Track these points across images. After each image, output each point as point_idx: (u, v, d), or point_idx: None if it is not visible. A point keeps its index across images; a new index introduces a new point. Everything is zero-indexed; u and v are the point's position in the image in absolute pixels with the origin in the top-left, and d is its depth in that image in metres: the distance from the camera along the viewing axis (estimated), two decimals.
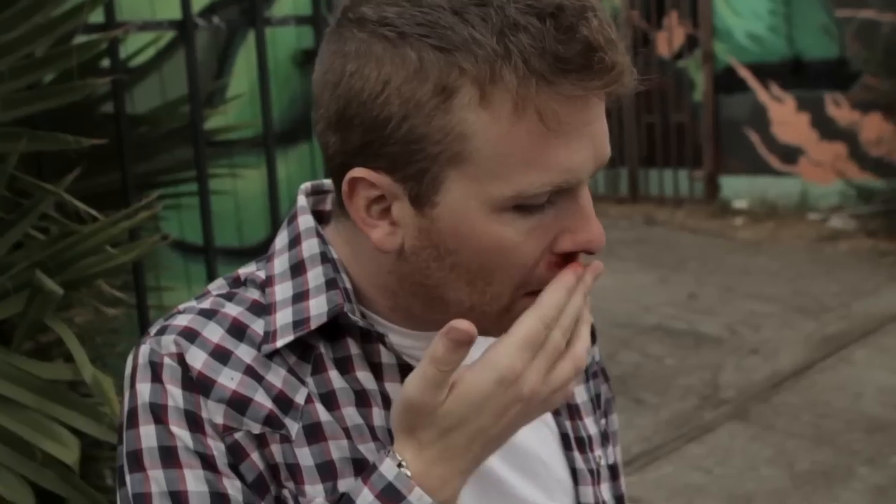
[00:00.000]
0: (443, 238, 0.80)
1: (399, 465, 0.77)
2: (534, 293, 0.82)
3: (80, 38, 2.33)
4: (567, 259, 0.82)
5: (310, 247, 0.88)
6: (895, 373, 5.20)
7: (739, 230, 8.77)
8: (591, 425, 1.03)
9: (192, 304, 0.88)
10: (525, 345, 0.77)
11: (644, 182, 10.17)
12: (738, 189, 9.40)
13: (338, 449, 0.83)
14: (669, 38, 9.72)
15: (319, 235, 0.88)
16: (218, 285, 0.91)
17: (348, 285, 0.86)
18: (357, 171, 0.80)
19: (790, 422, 4.59)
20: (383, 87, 0.76)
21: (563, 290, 0.79)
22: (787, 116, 9.08)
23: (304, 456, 0.82)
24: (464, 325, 0.75)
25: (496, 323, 0.83)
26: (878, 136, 8.13)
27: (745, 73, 9.28)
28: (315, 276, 0.87)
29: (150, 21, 2.55)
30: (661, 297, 6.79)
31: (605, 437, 1.07)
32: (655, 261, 7.85)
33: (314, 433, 0.82)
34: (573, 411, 1.01)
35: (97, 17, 2.41)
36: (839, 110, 8.72)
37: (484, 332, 0.83)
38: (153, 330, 0.86)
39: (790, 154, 9.10)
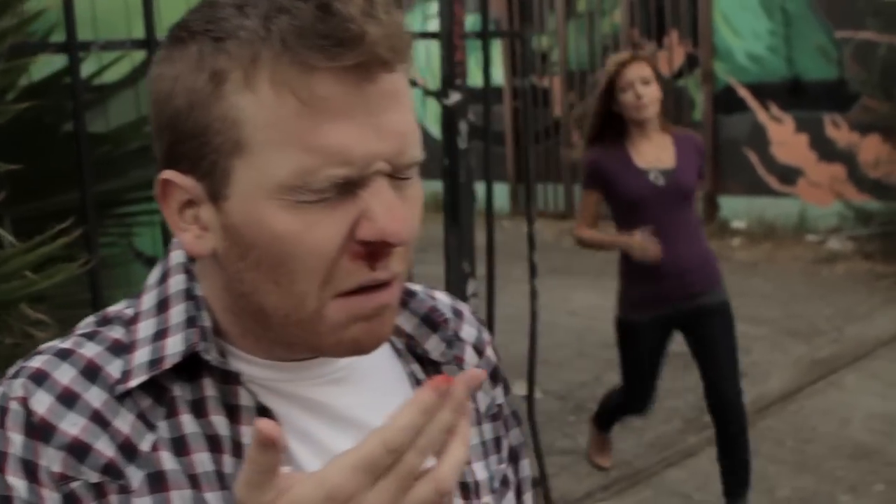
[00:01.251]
0: (240, 233, 0.79)
1: None
2: (346, 294, 0.79)
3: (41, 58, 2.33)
4: (371, 252, 0.78)
5: (176, 283, 0.87)
6: (884, 398, 5.15)
7: (737, 251, 8.72)
8: (479, 470, 0.98)
9: (54, 343, 0.86)
10: (361, 466, 0.68)
11: None
12: (737, 209, 9.35)
13: (180, 499, 0.80)
14: (669, 57, 9.70)
15: (187, 271, 0.87)
16: (86, 323, 0.89)
17: (207, 323, 0.84)
18: (165, 174, 0.81)
19: (774, 447, 4.54)
20: (173, 83, 0.78)
21: (416, 411, 0.68)
22: (786, 137, 9.05)
23: None
24: (266, 425, 0.66)
25: (315, 333, 0.81)
26: (877, 158, 8.08)
27: (744, 93, 9.25)
28: (177, 313, 0.85)
29: (113, 40, 2.53)
30: None
31: (504, 484, 1.02)
32: None
33: (157, 482, 0.79)
34: None
35: (59, 35, 2.41)
36: (838, 131, 8.69)
37: (312, 348, 0.82)
38: (11, 371, 0.84)
39: (789, 175, 9.06)
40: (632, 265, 3.60)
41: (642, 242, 3.54)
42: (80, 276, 2.11)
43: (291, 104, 0.75)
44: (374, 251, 0.78)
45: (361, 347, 0.82)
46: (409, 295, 0.96)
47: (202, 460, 0.81)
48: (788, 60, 8.90)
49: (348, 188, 0.77)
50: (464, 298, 3.45)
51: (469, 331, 1.03)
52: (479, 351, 1.03)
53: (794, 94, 8.89)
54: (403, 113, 0.79)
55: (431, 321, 0.96)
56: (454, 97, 3.27)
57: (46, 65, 2.86)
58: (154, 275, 0.89)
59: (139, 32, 2.52)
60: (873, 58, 7.88)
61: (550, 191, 10.74)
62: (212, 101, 0.77)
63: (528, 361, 3.96)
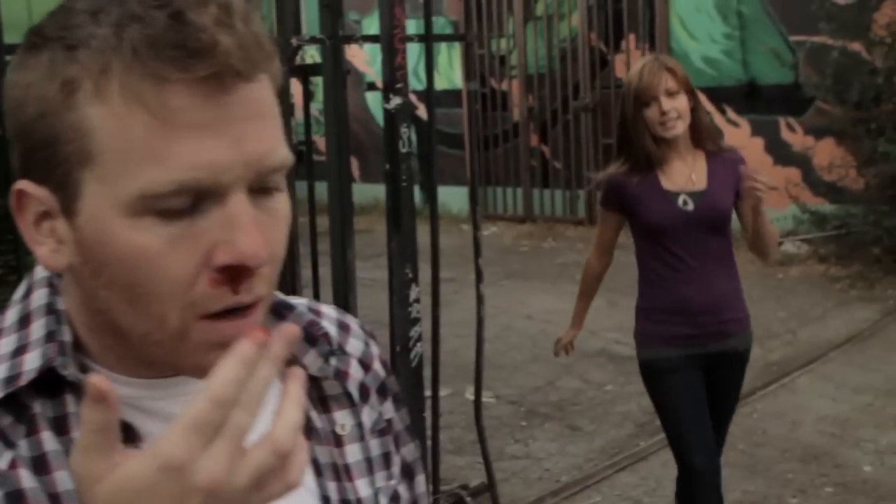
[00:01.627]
0: (91, 249, 0.76)
1: None
2: (209, 317, 0.76)
3: None
4: (232, 276, 0.75)
5: (39, 297, 0.84)
6: (836, 401, 5.17)
7: None
8: (363, 487, 0.95)
9: None
10: (191, 428, 0.66)
11: None
12: None
13: None
14: (627, 60, 9.72)
15: (51, 285, 0.84)
16: None
17: (67, 338, 0.81)
18: (20, 184, 0.78)
19: (725, 451, 4.51)
20: (26, 91, 0.76)
21: (238, 363, 0.67)
22: (741, 140, 9.07)
23: None
24: (97, 380, 0.65)
25: (175, 354, 0.78)
26: (831, 162, 8.14)
27: (701, 97, 9.26)
28: (38, 328, 0.82)
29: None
30: (609, 322, 6.71)
31: (395, 500, 1.00)
32: (607, 284, 7.68)
33: (16, 500, 0.76)
34: (340, 471, 0.94)
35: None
36: (793, 135, 8.74)
37: (176, 368, 0.79)
38: None
39: None
40: (659, 294, 3.19)
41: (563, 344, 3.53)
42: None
43: (142, 117, 0.72)
44: (235, 275, 0.75)
45: None
46: (287, 309, 0.93)
47: (63, 478, 0.78)
48: (744, 64, 8.94)
49: (203, 206, 0.74)
50: (407, 303, 3.41)
51: (355, 344, 1.00)
52: (365, 365, 1.00)
53: (750, 98, 8.94)
54: (264, 123, 0.75)
55: (310, 336, 0.93)
56: (395, 101, 3.23)
57: None
58: (20, 290, 0.86)
59: None
60: (827, 62, 7.93)
61: (510, 194, 10.73)
62: (63, 110, 0.74)
63: (475, 366, 3.92)
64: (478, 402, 3.94)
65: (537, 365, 5.86)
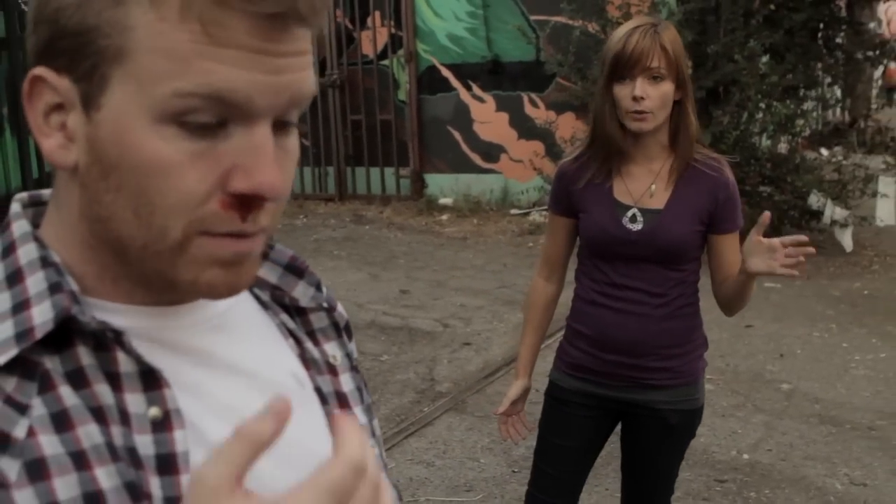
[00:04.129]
0: (105, 149, 0.73)
1: None
2: (211, 234, 0.75)
3: None
4: (243, 203, 0.74)
5: (27, 252, 0.78)
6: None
7: (446, 226, 8.98)
8: (360, 415, 0.97)
9: None
10: (329, 490, 0.63)
11: (351, 181, 10.21)
12: (444, 186, 9.63)
13: (65, 486, 0.70)
14: (373, 37, 9.80)
15: (37, 239, 0.78)
16: None
17: (75, 287, 0.76)
18: (38, 70, 0.75)
19: None
20: None
21: (359, 441, 0.65)
22: (487, 116, 9.41)
23: (25, 498, 0.69)
24: (278, 405, 0.63)
25: (172, 266, 0.76)
26: (573, 135, 8.57)
27: (447, 73, 9.52)
28: (36, 281, 0.76)
29: None
30: (374, 295, 6.81)
31: (373, 435, 1.01)
32: (366, 258, 7.88)
33: (37, 471, 0.70)
34: (342, 399, 0.95)
35: None
36: (536, 110, 9.14)
37: (166, 284, 0.77)
38: None
39: (491, 152, 9.44)
40: (580, 314, 2.57)
41: (505, 430, 2.71)
42: None
43: (194, 32, 0.70)
44: (246, 203, 0.74)
45: (216, 292, 0.78)
46: (268, 246, 0.92)
47: (89, 433, 0.72)
48: (488, 42, 9.25)
49: (229, 127, 0.73)
50: None
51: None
52: (330, 307, 1.00)
53: (495, 75, 9.26)
54: (305, 60, 0.75)
55: (295, 268, 0.94)
56: None
57: None
58: None
59: None
60: (568, 40, 8.33)
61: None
62: (107, 5, 0.71)
63: None
64: None
65: None
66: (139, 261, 0.75)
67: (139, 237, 0.74)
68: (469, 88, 9.44)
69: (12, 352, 0.72)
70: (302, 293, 0.94)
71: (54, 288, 0.75)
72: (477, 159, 9.52)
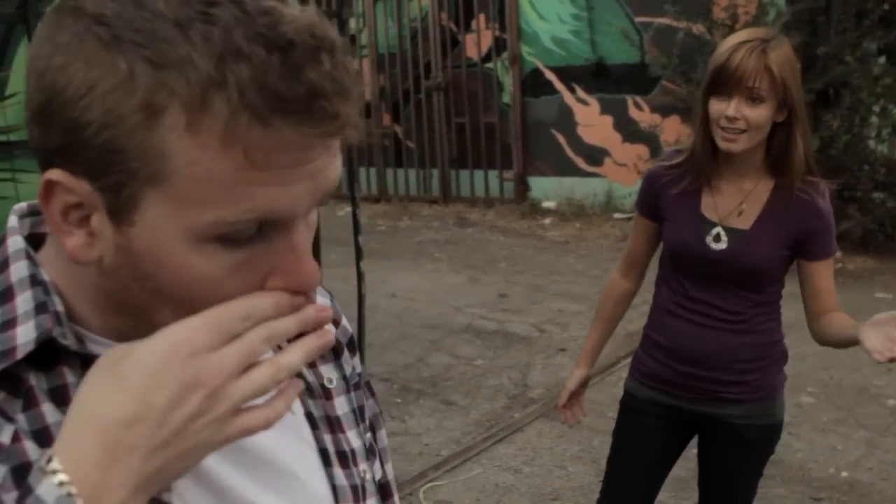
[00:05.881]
0: (139, 261, 0.73)
1: (60, 483, 0.66)
2: None
3: None
4: None
5: (18, 270, 0.79)
6: None
7: (548, 230, 8.94)
8: (354, 438, 0.97)
9: None
10: (212, 324, 0.70)
11: (455, 183, 10.24)
12: (547, 189, 9.58)
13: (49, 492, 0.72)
14: (478, 40, 9.82)
15: (30, 257, 0.80)
16: None
17: (60, 308, 0.78)
18: (54, 174, 0.72)
19: (596, 419, 4.64)
20: (88, 90, 0.69)
21: (271, 301, 0.73)
22: (591, 119, 9.33)
23: (11, 500, 0.71)
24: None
25: None
26: (677, 138, 8.43)
27: (551, 76, 9.47)
28: (24, 301, 0.77)
29: None
30: (472, 298, 6.82)
31: (371, 452, 1.02)
32: (466, 261, 7.90)
33: (23, 474, 0.72)
34: (334, 424, 0.96)
35: None
36: (641, 113, 9.02)
37: None
38: None
39: (595, 155, 9.35)
40: (658, 323, 2.53)
41: (569, 412, 2.72)
42: None
43: (237, 159, 0.68)
44: None
45: None
46: None
47: None
48: (592, 44, 9.16)
49: (267, 233, 0.73)
50: None
51: (322, 301, 1.01)
52: (334, 321, 1.02)
53: (599, 77, 9.17)
54: (337, 164, 0.75)
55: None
56: None
57: None
58: None
59: None
60: (672, 42, 8.20)
61: (363, 174, 10.69)
62: (139, 129, 0.68)
63: (357, 343, 3.89)
64: None
65: (405, 342, 5.88)
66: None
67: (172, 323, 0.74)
68: (573, 91, 9.37)
69: None
70: None
71: (40, 308, 0.77)
72: (581, 163, 9.45)
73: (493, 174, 9.95)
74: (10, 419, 0.74)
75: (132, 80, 0.67)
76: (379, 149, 10.61)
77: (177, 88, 0.67)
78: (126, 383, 0.67)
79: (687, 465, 2.65)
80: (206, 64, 0.66)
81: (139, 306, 0.75)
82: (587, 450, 4.31)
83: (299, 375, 0.91)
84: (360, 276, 3.82)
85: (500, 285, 7.14)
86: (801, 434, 4.47)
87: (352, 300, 3.83)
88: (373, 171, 10.68)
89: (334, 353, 0.98)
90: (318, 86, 0.68)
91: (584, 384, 2.70)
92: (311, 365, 0.95)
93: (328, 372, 0.97)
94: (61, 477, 0.65)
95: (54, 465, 0.66)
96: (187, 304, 0.72)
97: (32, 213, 0.85)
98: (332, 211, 9.43)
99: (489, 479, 4.12)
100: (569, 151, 9.49)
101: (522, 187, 9.78)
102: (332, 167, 0.74)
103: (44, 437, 0.74)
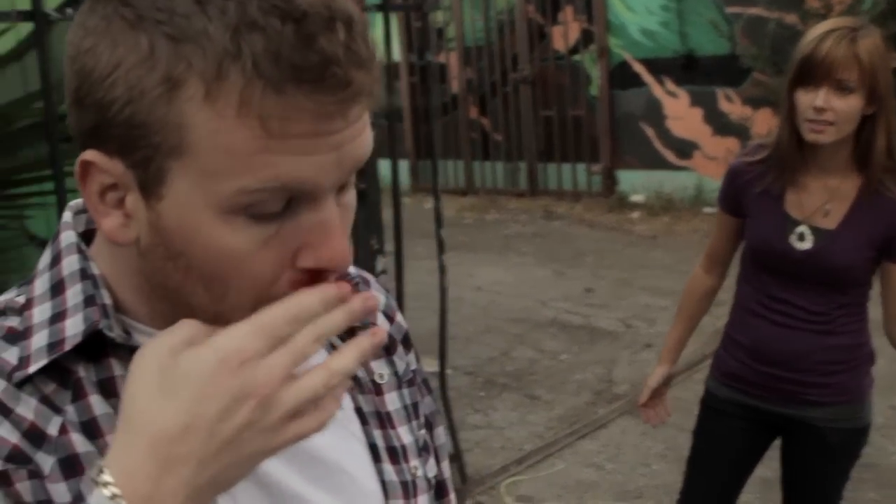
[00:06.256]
0: (171, 237, 0.74)
1: (112, 496, 0.67)
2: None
3: None
4: (312, 277, 0.75)
5: (70, 264, 0.82)
6: None
7: (636, 224, 8.84)
8: (405, 434, 0.98)
9: None
10: (259, 331, 0.70)
11: (543, 176, 10.20)
12: (635, 183, 9.48)
13: None
14: (565, 32, 9.75)
15: (81, 251, 0.82)
16: None
17: (108, 301, 0.80)
18: (89, 154, 0.74)
19: (682, 416, 4.57)
20: (113, 69, 0.71)
21: (319, 297, 0.72)
22: (680, 111, 9.19)
23: (59, 492, 0.74)
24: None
25: None
26: (769, 131, 8.23)
27: (639, 68, 9.36)
28: (74, 294, 0.80)
29: None
30: (558, 292, 6.79)
31: (425, 449, 1.02)
32: (553, 255, 7.86)
33: (71, 466, 0.75)
34: (384, 419, 0.96)
35: None
36: (731, 105, 8.86)
37: None
38: None
39: (685, 148, 9.22)
40: (739, 323, 2.50)
41: (653, 411, 2.69)
42: None
43: (254, 128, 0.69)
44: (316, 277, 0.76)
45: None
46: None
47: None
48: (681, 35, 9.03)
49: (295, 208, 0.74)
50: (373, 275, 3.38)
51: (377, 296, 1.01)
52: (389, 317, 1.02)
53: (688, 69, 9.04)
54: (362, 135, 0.75)
55: None
56: None
57: None
58: (45, 258, 0.84)
59: (25, 3, 2.38)
60: (763, 33, 8.03)
61: (451, 167, 10.72)
62: (159, 103, 0.70)
63: (439, 337, 3.91)
64: (443, 373, 3.94)
65: (490, 336, 5.89)
66: (204, 317, 0.76)
67: (211, 308, 0.76)
68: (662, 83, 9.24)
69: (42, 361, 0.76)
70: None
71: (88, 301, 0.79)
72: (670, 156, 9.32)
73: (580, 167, 9.88)
74: (58, 411, 0.76)
75: (153, 56, 0.70)
76: (466, 142, 10.62)
77: (194, 61, 0.69)
78: (176, 394, 0.68)
79: (773, 465, 2.60)
80: (221, 36, 0.68)
81: (174, 288, 0.76)
82: (672, 448, 4.25)
83: None
84: (442, 270, 3.83)
85: (586, 279, 7.09)
86: (894, 437, 4.35)
87: (437, 293, 3.84)
88: (460, 163, 10.70)
89: (386, 349, 0.99)
90: (331, 54, 0.69)
91: (666, 382, 2.66)
92: None
93: (379, 367, 0.97)
94: (113, 489, 0.66)
95: (106, 476, 0.67)
96: (219, 282, 0.74)
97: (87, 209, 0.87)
98: (418, 203, 9.48)
99: (571, 475, 4.10)
100: (657, 144, 9.38)
101: (610, 181, 9.69)
102: (360, 141, 0.74)
103: (91, 429, 0.76)
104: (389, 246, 3.61)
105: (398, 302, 3.63)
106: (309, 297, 0.72)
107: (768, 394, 2.42)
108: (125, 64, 0.70)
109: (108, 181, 0.75)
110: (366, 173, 3.33)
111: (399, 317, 1.03)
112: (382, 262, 3.47)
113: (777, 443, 2.57)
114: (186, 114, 0.70)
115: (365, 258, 3.40)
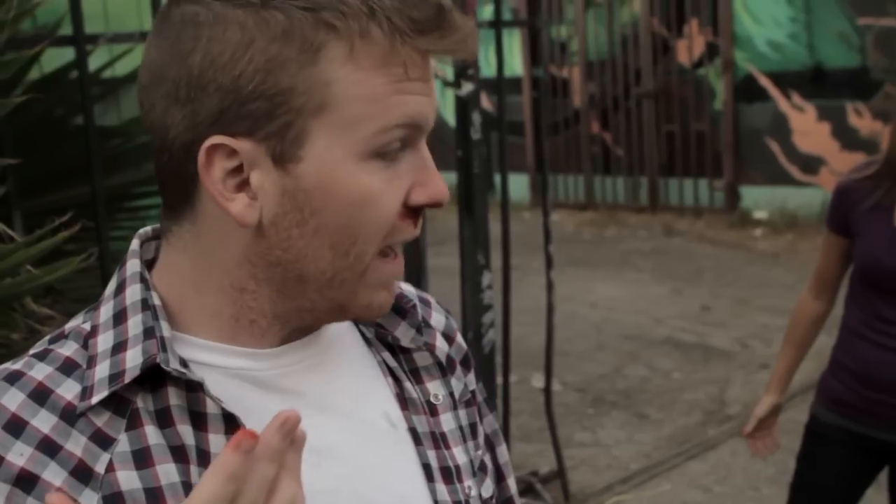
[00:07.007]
0: (308, 197, 0.80)
1: None
2: (383, 256, 0.85)
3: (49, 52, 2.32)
4: (418, 213, 0.85)
5: (133, 293, 0.84)
6: None
7: (759, 241, 8.65)
8: (459, 454, 0.98)
9: (6, 365, 0.83)
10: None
11: (664, 191, 10.08)
12: (759, 199, 9.28)
13: None
14: (690, 45, 9.63)
15: (143, 281, 0.85)
16: (41, 342, 0.87)
17: (167, 333, 0.82)
18: (215, 139, 0.79)
19: (795, 440, 4.44)
20: (247, 47, 0.78)
21: (224, 476, 0.70)
22: (807, 126, 8.96)
23: None
24: (249, 432, 0.70)
25: (353, 291, 0.85)
26: None
27: (765, 82, 9.16)
28: (134, 324, 0.83)
29: (122, 33, 2.52)
30: (674, 310, 6.70)
31: (482, 469, 1.03)
32: (671, 272, 7.76)
33: (114, 503, 0.78)
34: (438, 440, 0.97)
35: (69, 28, 2.40)
36: (861, 120, 8.59)
37: (339, 303, 0.85)
38: None
39: (811, 164, 8.97)
40: (846, 346, 2.41)
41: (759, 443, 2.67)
42: (92, 270, 2.09)
43: (388, 75, 0.80)
44: (420, 213, 0.85)
45: (381, 311, 0.88)
46: None
47: (167, 471, 0.79)
48: (810, 48, 8.81)
49: (404, 150, 0.83)
50: (479, 290, 3.42)
51: (438, 318, 1.05)
52: (448, 338, 1.04)
53: (816, 83, 8.80)
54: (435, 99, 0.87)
55: (399, 308, 0.97)
56: (467, 88, 3.24)
57: (58, 58, 2.86)
58: (111, 286, 0.87)
59: (149, 25, 2.51)
60: (895, 45, 7.78)
61: (571, 182, 10.69)
62: (300, 67, 0.79)
63: (545, 353, 3.92)
64: (548, 389, 3.95)
65: (602, 353, 5.85)
66: (317, 292, 0.83)
67: (329, 269, 0.83)
68: (788, 97, 9.02)
69: (103, 393, 0.79)
70: (403, 333, 0.96)
71: (148, 333, 0.81)
72: (795, 172, 9.09)
73: (702, 183, 9.72)
74: (108, 444, 0.79)
75: (291, 28, 0.78)
76: (587, 156, 10.57)
77: (335, 23, 0.79)
78: None
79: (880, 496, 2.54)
80: (354, 0, 0.79)
81: (293, 260, 0.82)
82: (783, 472, 4.14)
83: (403, 393, 0.95)
84: (549, 286, 3.84)
85: (703, 297, 6.97)
86: None
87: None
88: (580, 178, 10.66)
89: (442, 369, 0.99)
90: (444, 3, 0.81)
91: (775, 412, 2.59)
92: (417, 381, 0.97)
93: (435, 388, 0.98)
94: None
95: None
96: (348, 234, 0.81)
97: (157, 236, 0.90)
98: (537, 218, 9.47)
99: (677, 496, 4.05)
100: (782, 160, 9.15)
101: (733, 196, 9.51)
102: (434, 87, 0.85)
103: (143, 458, 0.79)
104: (499, 261, 3.64)
105: (504, 318, 3.68)
106: (214, 483, 0.70)
107: (875, 420, 2.34)
108: (259, 41, 0.78)
109: (230, 165, 0.80)
110: (473, 185, 3.37)
111: (459, 337, 1.05)
112: (489, 277, 3.50)
113: (886, 472, 2.50)
114: (329, 72, 0.79)
115: (472, 273, 3.43)
